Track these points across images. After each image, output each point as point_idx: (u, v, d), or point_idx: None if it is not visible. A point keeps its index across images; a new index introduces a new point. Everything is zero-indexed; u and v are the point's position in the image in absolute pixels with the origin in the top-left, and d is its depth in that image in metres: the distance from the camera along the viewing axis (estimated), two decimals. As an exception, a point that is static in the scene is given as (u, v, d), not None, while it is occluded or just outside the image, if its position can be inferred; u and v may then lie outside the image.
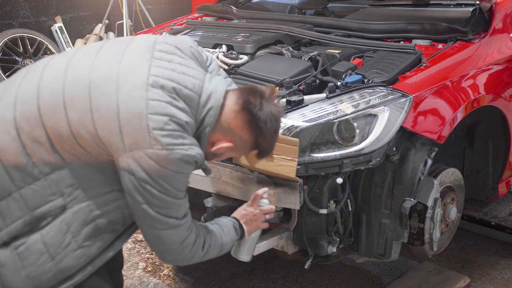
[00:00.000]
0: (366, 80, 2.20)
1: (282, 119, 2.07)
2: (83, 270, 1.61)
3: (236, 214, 1.92)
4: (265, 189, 1.98)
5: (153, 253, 3.02)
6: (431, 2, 3.12)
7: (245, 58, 2.56)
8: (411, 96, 2.11)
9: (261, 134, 1.67)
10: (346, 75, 2.25)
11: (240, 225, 1.88)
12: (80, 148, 1.54)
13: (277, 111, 1.70)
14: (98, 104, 1.51)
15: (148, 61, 1.57)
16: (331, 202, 2.17)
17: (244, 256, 2.00)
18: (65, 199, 1.56)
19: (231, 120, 1.64)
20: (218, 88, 1.63)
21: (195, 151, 1.55)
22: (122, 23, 6.46)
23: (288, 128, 2.05)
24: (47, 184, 1.55)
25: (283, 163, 1.99)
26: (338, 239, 2.24)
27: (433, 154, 2.23)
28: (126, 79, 1.52)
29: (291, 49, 2.60)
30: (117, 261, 2.01)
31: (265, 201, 1.96)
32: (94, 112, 1.50)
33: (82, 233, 1.58)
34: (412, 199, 2.17)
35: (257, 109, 1.63)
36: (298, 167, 2.01)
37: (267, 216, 1.96)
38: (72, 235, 1.57)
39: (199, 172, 1.71)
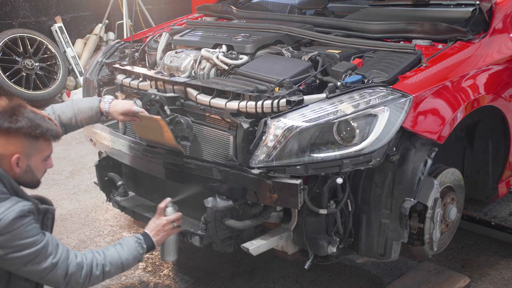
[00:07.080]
0: (366, 80, 2.20)
1: (282, 119, 2.08)
2: None
3: (147, 227, 2.22)
4: (168, 199, 2.28)
5: (153, 253, 3.02)
6: (431, 2, 3.12)
7: (245, 58, 2.56)
8: (411, 96, 2.11)
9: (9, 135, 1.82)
10: (346, 75, 2.25)
11: (148, 238, 2.17)
12: None
13: None
14: None
15: None
16: (331, 202, 2.17)
17: (167, 257, 2.40)
18: None
19: None
20: None
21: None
22: (122, 23, 6.46)
23: (288, 128, 2.06)
24: None
25: (165, 133, 2.29)
26: (338, 239, 2.24)
27: (433, 154, 2.24)
28: None
29: (291, 49, 2.60)
30: None
31: (170, 210, 2.27)
32: None
33: None
34: (412, 199, 2.17)
35: None
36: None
37: (175, 224, 2.26)
38: None
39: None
